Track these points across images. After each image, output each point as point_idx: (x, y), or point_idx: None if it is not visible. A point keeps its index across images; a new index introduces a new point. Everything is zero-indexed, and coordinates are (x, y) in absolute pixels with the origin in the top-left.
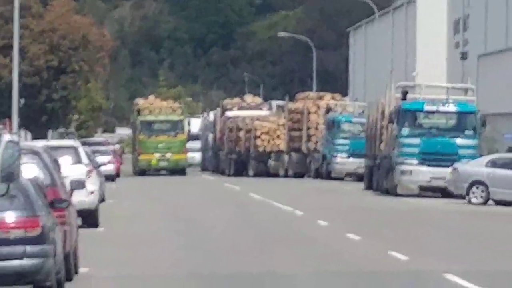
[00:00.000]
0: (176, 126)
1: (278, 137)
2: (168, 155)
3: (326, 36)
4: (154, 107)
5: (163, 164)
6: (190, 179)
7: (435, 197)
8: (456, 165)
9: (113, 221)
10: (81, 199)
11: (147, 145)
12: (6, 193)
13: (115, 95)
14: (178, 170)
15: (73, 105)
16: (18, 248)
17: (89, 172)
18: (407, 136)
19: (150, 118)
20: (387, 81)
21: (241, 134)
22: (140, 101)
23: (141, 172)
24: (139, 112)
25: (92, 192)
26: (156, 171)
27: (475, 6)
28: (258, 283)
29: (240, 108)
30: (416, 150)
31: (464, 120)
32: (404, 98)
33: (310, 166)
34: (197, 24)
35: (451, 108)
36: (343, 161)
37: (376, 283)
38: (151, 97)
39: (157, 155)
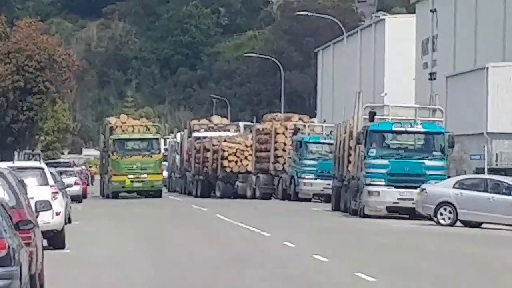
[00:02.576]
0: (151, 145)
1: (245, 158)
2: (143, 176)
3: (294, 57)
4: (127, 125)
5: (137, 185)
6: (157, 200)
7: (403, 219)
8: (424, 186)
9: (80, 242)
10: (47, 220)
11: (120, 166)
12: None
13: (81, 116)
14: (153, 192)
15: (39, 126)
16: None
17: (55, 193)
18: (374, 157)
19: (124, 136)
20: (355, 101)
21: (209, 155)
22: (112, 120)
23: (114, 194)
24: (111, 131)
25: (58, 214)
26: (129, 194)
27: (443, 27)
28: None
29: (208, 129)
30: (384, 171)
31: (432, 141)
32: (372, 119)
33: (278, 187)
34: (164, 45)
35: (419, 128)
36: (311, 182)
37: None
38: (123, 116)
39: (131, 176)
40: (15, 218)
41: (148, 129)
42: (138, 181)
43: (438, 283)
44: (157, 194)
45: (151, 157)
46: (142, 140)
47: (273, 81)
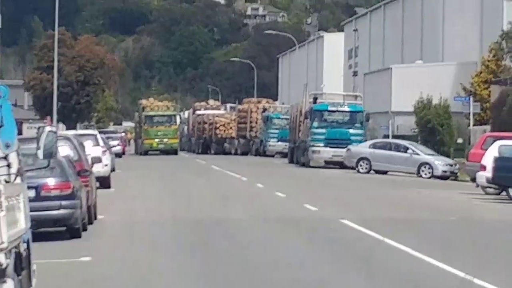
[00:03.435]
0: (170, 119)
1: (230, 128)
2: (165, 140)
3: (263, 61)
4: (154, 105)
5: (161, 146)
6: (172, 156)
7: (335, 168)
8: (349, 146)
9: (121, 184)
10: (98, 169)
11: (150, 133)
12: (48, 166)
13: (122, 99)
14: (172, 151)
15: (93, 107)
16: (56, 203)
17: (104, 151)
18: (316, 127)
19: (152, 113)
20: (303, 90)
21: (206, 126)
22: (144, 101)
23: (145, 152)
24: (143, 109)
25: (106, 165)
26: (155, 151)
27: (362, 40)
28: (217, 225)
29: (206, 108)
30: (322, 137)
31: (354, 117)
32: (314, 102)
33: (252, 147)
34: (176, 52)
35: (346, 108)
36: (274, 144)
37: (294, 225)
38: (151, 99)
39: (156, 140)
40: (77, 168)
41: (169, 108)
42: (161, 143)
43: (358, 212)
44: (174, 152)
45: (171, 127)
46: (164, 116)
47: (249, 77)
